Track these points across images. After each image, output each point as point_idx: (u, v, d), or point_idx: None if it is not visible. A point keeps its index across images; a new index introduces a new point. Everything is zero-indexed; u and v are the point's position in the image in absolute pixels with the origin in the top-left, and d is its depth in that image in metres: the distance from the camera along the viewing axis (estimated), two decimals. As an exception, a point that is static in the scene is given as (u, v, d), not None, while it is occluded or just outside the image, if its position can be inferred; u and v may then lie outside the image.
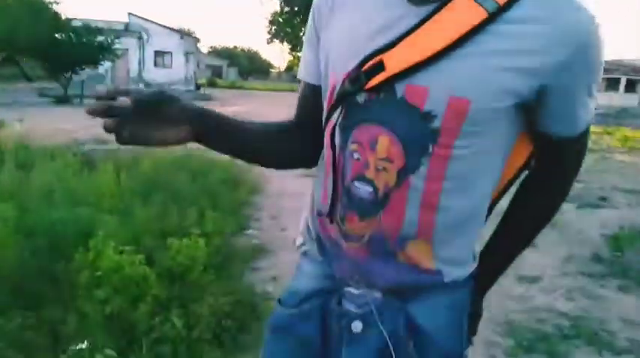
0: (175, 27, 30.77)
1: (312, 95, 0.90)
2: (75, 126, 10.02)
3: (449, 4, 0.70)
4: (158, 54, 27.77)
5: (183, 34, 30.93)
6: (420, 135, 0.73)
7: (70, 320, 2.22)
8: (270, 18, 34.71)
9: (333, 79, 0.80)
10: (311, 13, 0.89)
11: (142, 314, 2.25)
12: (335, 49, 0.81)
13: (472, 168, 0.76)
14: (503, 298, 3.09)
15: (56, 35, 18.60)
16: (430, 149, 0.73)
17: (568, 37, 0.67)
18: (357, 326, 0.85)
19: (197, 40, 32.96)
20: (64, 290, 2.51)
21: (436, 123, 0.71)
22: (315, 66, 0.88)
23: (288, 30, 32.98)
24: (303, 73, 0.93)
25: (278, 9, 32.75)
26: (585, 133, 0.78)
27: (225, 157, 1.06)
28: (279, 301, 0.97)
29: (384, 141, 0.74)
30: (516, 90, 0.70)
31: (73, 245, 2.98)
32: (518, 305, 3.03)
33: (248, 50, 72.42)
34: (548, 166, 0.84)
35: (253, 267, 3.41)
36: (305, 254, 0.96)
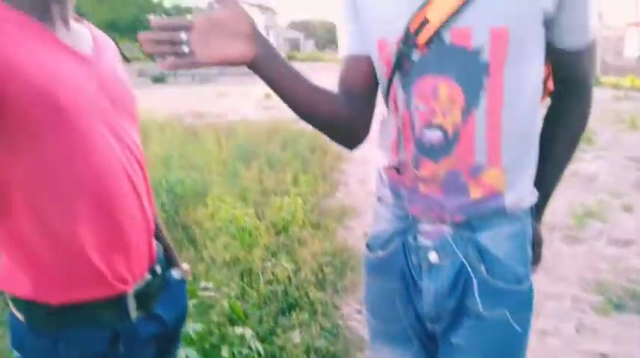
0: (255, 2, 31.40)
1: (362, 66, 0.93)
2: (173, 102, 10.90)
3: None
4: None
5: (263, 8, 31.53)
6: (473, 72, 0.81)
7: (198, 262, 2.65)
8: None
9: (385, 45, 0.86)
10: None
11: (256, 259, 2.62)
12: (378, 18, 0.87)
13: (521, 90, 0.84)
14: (595, 260, 3.09)
15: (150, 16, 19.92)
16: (484, 82, 0.81)
17: None
18: (433, 256, 0.92)
19: (275, 13, 33.47)
20: (190, 237, 2.97)
21: (484, 57, 0.80)
22: (361, 37, 0.92)
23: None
24: (351, 46, 0.94)
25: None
26: (593, 43, 0.88)
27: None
28: (368, 246, 1.06)
29: (444, 87, 0.83)
30: (543, 7, 0.79)
31: (192, 201, 3.46)
32: (609, 265, 3.02)
33: (325, 22, 72.08)
34: (566, 80, 0.92)
35: (345, 225, 3.69)
36: (379, 199, 1.03)
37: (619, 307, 2.54)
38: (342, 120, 0.93)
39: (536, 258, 1.03)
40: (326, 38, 66.57)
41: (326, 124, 0.94)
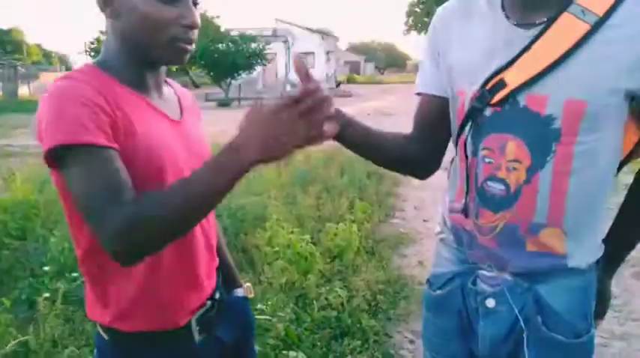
0: (316, 28, 32.33)
1: (434, 105, 1.01)
2: (236, 126, 11.39)
3: (553, 25, 0.82)
4: (302, 55, 29.58)
5: (324, 34, 32.36)
6: (543, 137, 0.84)
7: (255, 285, 2.78)
8: (407, 9, 34.46)
9: (462, 97, 0.93)
10: (429, 31, 1.02)
11: (311, 284, 2.71)
12: (458, 72, 0.94)
13: (593, 158, 0.85)
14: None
15: (218, 45, 21.10)
16: (554, 147, 0.84)
17: None
18: (490, 302, 0.96)
19: (336, 38, 34.25)
20: (249, 260, 3.12)
21: (556, 124, 0.83)
22: (438, 78, 0.99)
23: (426, 20, 32.34)
24: (427, 85, 1.02)
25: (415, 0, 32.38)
26: None
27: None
28: (429, 283, 1.10)
29: (512, 145, 0.87)
30: (625, 87, 0.80)
31: (252, 226, 3.63)
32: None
33: (385, 43, 72.56)
34: None
35: (400, 253, 3.70)
36: (442, 241, 1.08)
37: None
38: (413, 159, 1.06)
39: (601, 313, 1.03)
40: (386, 61, 66.94)
41: (398, 166, 1.10)
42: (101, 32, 30.12)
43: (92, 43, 30.34)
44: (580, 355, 0.94)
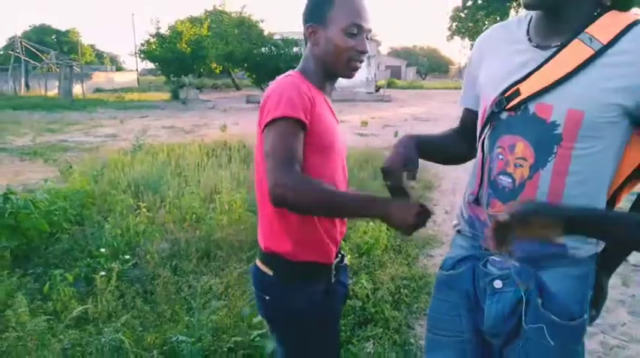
0: (358, 32, 32.44)
1: (470, 116, 1.25)
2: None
3: (566, 48, 0.98)
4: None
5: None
6: (546, 140, 0.99)
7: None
8: (451, 14, 34.09)
9: (484, 104, 1.12)
10: (469, 60, 1.25)
11: (339, 276, 2.90)
12: (485, 83, 1.13)
13: (590, 163, 0.98)
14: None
15: (262, 49, 21.65)
16: (555, 149, 0.98)
17: None
18: (498, 283, 1.09)
19: (378, 43, 34.28)
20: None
21: (559, 130, 0.98)
22: (473, 96, 1.22)
23: (471, 25, 31.88)
24: (465, 100, 1.27)
25: (460, 4, 32.00)
26: None
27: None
28: (442, 266, 1.24)
29: (520, 145, 1.02)
30: (619, 104, 0.93)
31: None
32: None
33: (427, 48, 71.80)
34: None
35: (426, 253, 3.83)
36: (459, 231, 1.23)
37: None
38: (460, 151, 1.30)
39: (596, 308, 1.14)
40: (427, 66, 66.25)
41: (451, 162, 1.36)
42: (150, 35, 31.49)
43: (142, 45, 31.74)
44: (571, 335, 1.07)
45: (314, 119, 1.17)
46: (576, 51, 0.96)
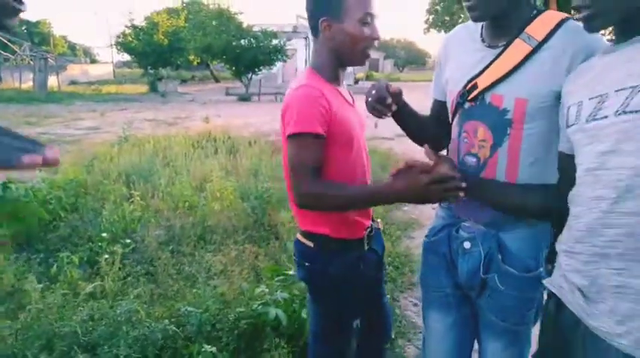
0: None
1: (439, 106, 1.43)
2: (258, 120, 11.84)
3: (509, 47, 1.16)
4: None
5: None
6: (500, 124, 1.17)
7: (281, 253, 3.22)
8: (428, 7, 34.49)
9: (452, 97, 1.30)
10: (437, 57, 1.41)
11: (329, 255, 3.13)
12: (451, 78, 1.31)
13: (537, 140, 1.15)
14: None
15: (241, 41, 21.57)
16: (508, 131, 1.16)
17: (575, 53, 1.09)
18: (467, 244, 1.29)
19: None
20: (275, 234, 3.56)
21: (509, 115, 1.15)
22: (441, 89, 1.39)
23: (447, 18, 32.34)
24: (435, 93, 1.44)
25: (437, -2, 32.41)
26: None
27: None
28: (426, 234, 1.45)
29: (481, 130, 1.21)
30: (554, 91, 1.09)
31: (276, 207, 4.06)
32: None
33: (404, 41, 72.31)
34: None
35: (408, 235, 4.10)
36: (439, 204, 1.43)
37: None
38: (430, 134, 1.44)
39: (552, 261, 1.25)
40: (404, 58, 66.81)
41: (425, 139, 1.48)
42: (126, 27, 30.95)
43: (119, 37, 31.18)
44: (528, 285, 1.24)
45: (332, 120, 1.31)
46: (518, 48, 1.15)
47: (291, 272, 2.47)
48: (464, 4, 1.19)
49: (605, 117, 0.90)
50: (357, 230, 1.46)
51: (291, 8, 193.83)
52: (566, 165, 1.07)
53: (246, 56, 21.17)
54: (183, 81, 25.30)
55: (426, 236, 1.47)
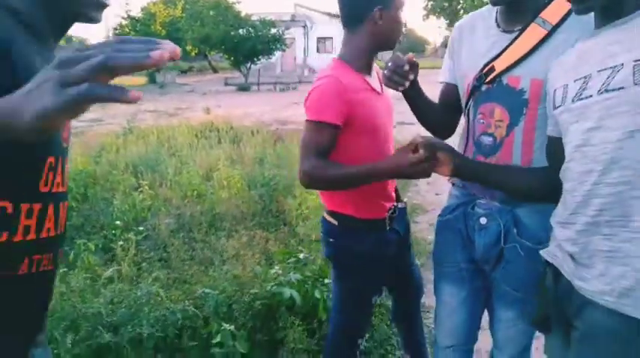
0: (335, 12, 32.34)
1: (451, 89, 1.47)
2: (258, 110, 11.90)
3: (525, 31, 1.23)
4: (320, 40, 29.80)
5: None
6: (518, 104, 1.24)
7: (292, 238, 3.31)
8: (426, -6, 34.27)
9: (467, 80, 1.35)
10: (450, 42, 1.48)
11: (337, 239, 3.22)
12: (465, 63, 1.38)
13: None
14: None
15: (239, 31, 21.51)
16: (524, 111, 1.23)
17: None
18: (483, 220, 1.35)
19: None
20: (284, 220, 3.64)
21: (526, 96, 1.22)
22: (453, 72, 1.45)
23: (446, 4, 32.19)
24: (446, 76, 1.49)
25: (435, -16, 32.18)
26: None
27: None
28: (440, 214, 1.52)
29: (498, 110, 1.28)
30: None
31: (282, 194, 4.14)
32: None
33: (403, 28, 71.64)
34: None
35: (413, 220, 4.18)
36: (453, 184, 1.49)
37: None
38: (443, 121, 1.53)
39: None
40: (404, 45, 66.36)
41: (433, 128, 1.55)
42: (123, 18, 30.80)
43: (115, 29, 31.03)
44: (539, 256, 1.30)
45: (353, 111, 1.39)
46: (534, 32, 1.23)
47: (301, 256, 2.56)
48: None
49: (590, 96, 0.97)
50: (380, 210, 1.55)
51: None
52: (555, 147, 1.14)
53: (245, 46, 21.14)
54: (183, 71, 25.17)
55: (440, 215, 1.54)
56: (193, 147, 5.93)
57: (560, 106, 1.07)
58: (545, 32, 1.21)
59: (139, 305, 2.20)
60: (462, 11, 26.67)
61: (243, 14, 22.83)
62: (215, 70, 31.88)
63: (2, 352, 0.77)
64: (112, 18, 47.82)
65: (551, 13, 1.23)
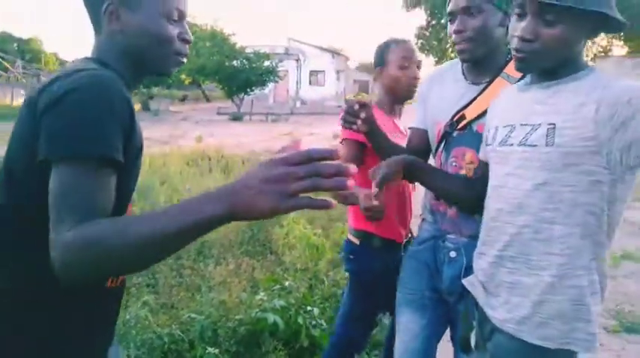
0: (327, 47, 33.30)
1: (421, 134, 1.59)
2: (250, 139, 12.08)
3: (492, 83, 1.38)
4: (312, 73, 30.50)
5: (335, 53, 33.27)
6: None
7: (277, 266, 3.40)
8: (416, 32, 35.40)
9: (439, 126, 1.48)
10: (419, 91, 1.65)
11: (321, 268, 3.32)
12: (435, 110, 1.51)
13: None
14: (619, 294, 3.48)
15: (233, 62, 21.98)
16: None
17: None
18: (453, 253, 1.44)
19: (347, 58, 35.15)
20: (271, 249, 3.74)
21: None
22: (424, 119, 1.58)
23: (435, 43, 33.20)
24: (418, 122, 1.61)
25: (425, 23, 33.29)
26: None
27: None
28: (412, 243, 1.62)
29: (469, 154, 1.40)
30: None
31: (270, 223, 4.25)
32: (630, 299, 3.40)
33: (394, 64, 73.10)
34: None
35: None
36: (424, 219, 1.58)
37: (629, 330, 2.95)
38: None
39: None
40: (394, 80, 67.59)
41: None
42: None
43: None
44: None
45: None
46: (500, 85, 1.37)
47: (287, 283, 2.66)
48: (456, 47, 1.42)
49: (512, 144, 1.12)
50: (397, 234, 1.78)
51: (283, 30, 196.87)
52: (484, 169, 1.30)
53: (239, 77, 21.58)
54: (182, 100, 25.41)
55: (412, 244, 1.65)
56: (184, 175, 6.05)
57: (490, 145, 1.22)
58: (511, 85, 1.36)
59: (127, 328, 2.28)
60: (450, 49, 27.50)
61: (238, 46, 23.36)
62: (208, 99, 32.28)
63: (96, 349, 0.97)
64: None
65: (514, 69, 1.38)
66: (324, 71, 30.57)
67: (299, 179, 0.65)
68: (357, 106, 1.44)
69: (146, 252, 0.70)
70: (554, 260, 1.05)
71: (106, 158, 0.77)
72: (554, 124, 1.03)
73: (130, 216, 0.88)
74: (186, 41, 1.00)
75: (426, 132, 1.59)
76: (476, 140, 1.37)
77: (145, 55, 0.96)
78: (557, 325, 1.05)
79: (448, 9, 1.42)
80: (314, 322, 2.41)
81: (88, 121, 0.76)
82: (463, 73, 1.50)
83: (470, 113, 1.40)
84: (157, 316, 2.57)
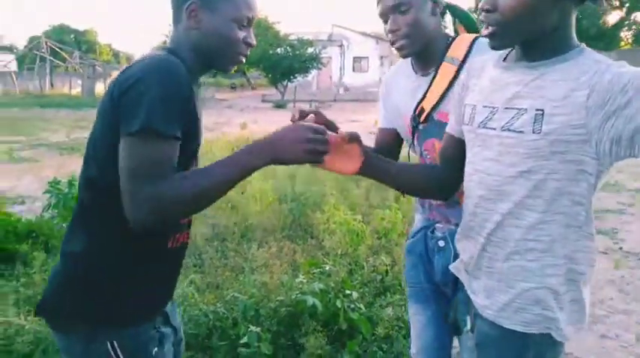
0: (371, 32, 32.82)
1: (389, 133, 1.58)
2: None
3: (439, 71, 1.38)
4: (356, 59, 30.22)
5: (379, 38, 32.77)
6: None
7: (318, 250, 3.47)
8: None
9: (406, 121, 1.48)
10: (380, 94, 1.62)
11: (361, 254, 3.35)
12: (398, 107, 1.51)
13: None
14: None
15: (277, 50, 22.13)
16: None
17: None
18: (441, 242, 1.44)
19: (391, 43, 34.44)
20: (312, 234, 3.81)
21: None
22: (386, 119, 1.59)
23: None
24: (383, 122, 1.60)
25: (472, 5, 32.20)
26: None
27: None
28: (407, 236, 1.62)
29: (437, 144, 1.37)
30: None
31: (311, 209, 4.32)
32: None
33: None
34: None
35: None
36: (416, 209, 1.60)
37: None
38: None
39: None
40: (440, 66, 65.99)
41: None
42: (166, 36, 32.14)
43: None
44: None
45: None
46: (446, 70, 1.38)
47: (327, 267, 2.71)
48: (394, 46, 1.41)
49: (494, 128, 1.04)
50: None
51: (326, 16, 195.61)
52: (452, 145, 1.21)
53: (283, 64, 21.72)
54: (232, 88, 25.89)
55: (407, 237, 1.65)
56: (229, 162, 6.20)
57: (467, 125, 1.13)
58: (456, 68, 1.35)
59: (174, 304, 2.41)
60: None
61: (281, 34, 23.48)
62: (253, 87, 32.75)
63: (160, 301, 1.16)
64: (157, 35, 49.73)
65: (456, 51, 1.38)
66: (367, 57, 30.21)
67: (309, 141, 1.02)
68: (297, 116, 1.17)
69: (204, 198, 0.98)
70: (534, 246, 1.02)
71: (168, 133, 0.94)
72: (542, 110, 0.96)
73: (190, 171, 1.05)
74: (249, 45, 1.14)
75: (392, 130, 1.58)
76: (440, 129, 1.32)
77: (213, 52, 1.11)
78: (535, 310, 1.03)
79: (378, 11, 1.40)
80: (352, 306, 2.45)
81: (156, 101, 0.93)
82: (413, 68, 1.50)
83: (427, 104, 1.41)
84: (202, 295, 2.70)
